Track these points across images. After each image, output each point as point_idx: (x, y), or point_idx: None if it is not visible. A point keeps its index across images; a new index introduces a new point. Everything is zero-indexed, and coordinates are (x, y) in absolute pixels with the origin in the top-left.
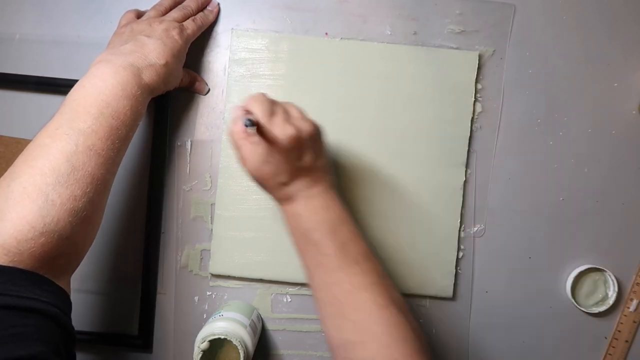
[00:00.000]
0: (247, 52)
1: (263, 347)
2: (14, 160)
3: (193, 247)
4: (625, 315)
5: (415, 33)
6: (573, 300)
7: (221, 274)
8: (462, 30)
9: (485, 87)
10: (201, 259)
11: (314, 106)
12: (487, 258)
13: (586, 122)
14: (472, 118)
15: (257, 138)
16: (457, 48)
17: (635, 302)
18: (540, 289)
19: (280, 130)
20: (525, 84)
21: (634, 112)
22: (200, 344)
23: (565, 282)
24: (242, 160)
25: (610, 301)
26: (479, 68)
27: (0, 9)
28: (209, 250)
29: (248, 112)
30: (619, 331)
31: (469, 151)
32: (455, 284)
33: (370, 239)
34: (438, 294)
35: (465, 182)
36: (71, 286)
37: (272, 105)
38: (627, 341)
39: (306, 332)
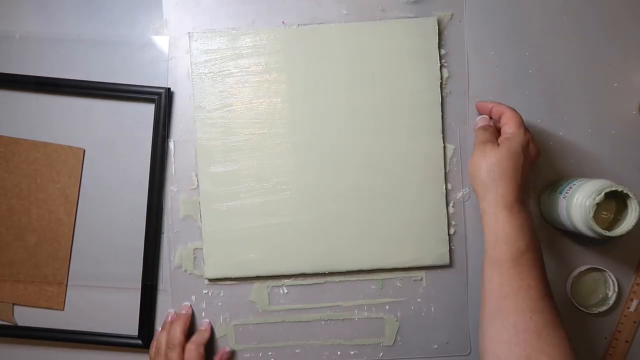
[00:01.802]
0: (208, 53)
1: (262, 340)
2: (13, 160)
3: (185, 246)
4: (625, 315)
5: (371, 9)
6: (573, 300)
7: (217, 277)
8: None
9: (449, 52)
10: (194, 257)
11: (283, 95)
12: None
13: (586, 122)
14: (441, 84)
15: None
16: (415, 17)
17: (635, 302)
18: None
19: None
20: (524, 85)
21: (634, 112)
22: (596, 196)
23: (565, 282)
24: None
25: (610, 301)
26: (439, 33)
27: (0, 9)
28: (201, 249)
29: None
30: (619, 331)
31: (443, 117)
32: (450, 251)
33: (359, 219)
34: (435, 262)
35: (444, 148)
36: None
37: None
38: (627, 341)
39: (305, 321)
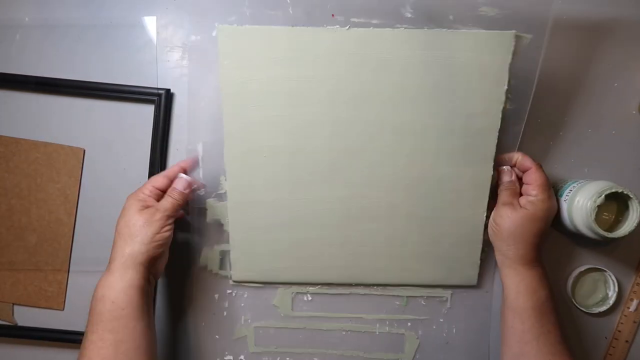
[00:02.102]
0: (240, 52)
1: (281, 345)
2: (13, 160)
3: (211, 248)
4: (625, 315)
5: (440, 15)
6: (573, 300)
7: (243, 280)
8: (494, 14)
9: (515, 76)
10: (220, 259)
11: (323, 105)
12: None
13: (586, 122)
14: (503, 109)
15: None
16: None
17: (635, 302)
18: None
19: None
20: (524, 84)
21: (634, 112)
22: (596, 198)
23: (566, 282)
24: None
25: (610, 301)
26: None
27: (0, 9)
28: (228, 251)
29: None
30: (619, 331)
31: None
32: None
33: (391, 236)
34: (463, 283)
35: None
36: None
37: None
38: (627, 341)
39: (326, 330)
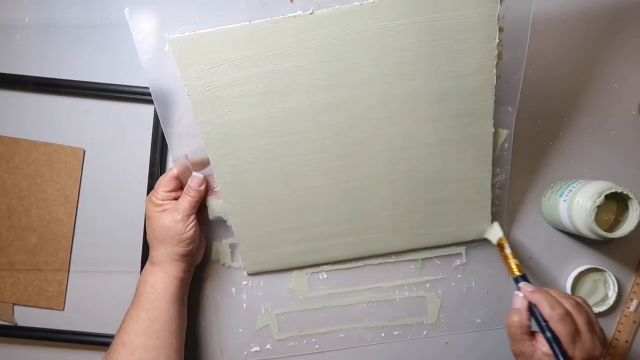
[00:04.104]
0: (199, 60)
1: (305, 327)
2: (14, 160)
3: (220, 242)
4: (625, 315)
5: None
6: None
7: (257, 271)
8: None
9: (506, 29)
10: (231, 251)
11: (303, 94)
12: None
13: (586, 122)
14: (497, 64)
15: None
16: None
17: (635, 302)
18: None
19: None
20: (523, 84)
21: (634, 112)
22: (596, 198)
23: (565, 282)
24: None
25: (610, 301)
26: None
27: (0, 9)
28: (237, 243)
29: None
30: (619, 331)
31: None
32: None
33: (398, 202)
34: (476, 237)
35: (494, 132)
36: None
37: (573, 316)
38: (627, 341)
39: (347, 305)
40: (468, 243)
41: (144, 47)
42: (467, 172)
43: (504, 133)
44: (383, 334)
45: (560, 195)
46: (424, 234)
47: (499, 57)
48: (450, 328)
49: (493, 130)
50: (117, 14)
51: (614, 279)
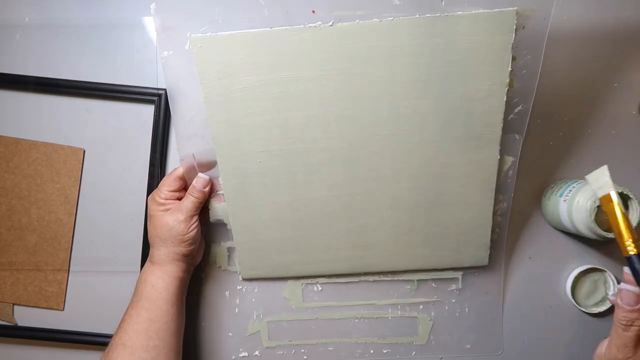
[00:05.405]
0: (218, 61)
1: (295, 337)
2: (13, 160)
3: (219, 245)
4: None
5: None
6: (573, 300)
7: (252, 277)
8: None
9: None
10: (228, 255)
11: (316, 104)
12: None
13: (586, 122)
14: (507, 91)
15: None
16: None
17: None
18: (540, 289)
19: None
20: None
21: (634, 112)
22: (596, 198)
23: (565, 282)
24: None
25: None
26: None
27: (0, 9)
28: (235, 247)
29: None
30: None
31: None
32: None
33: (398, 223)
34: (473, 264)
35: (500, 159)
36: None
37: None
38: None
39: (339, 319)
40: (465, 269)
41: (165, 43)
42: (469, 197)
43: (509, 160)
44: (372, 351)
45: (560, 195)
46: (422, 256)
47: (510, 84)
48: (440, 351)
49: (499, 156)
50: (117, 14)
51: (614, 279)
